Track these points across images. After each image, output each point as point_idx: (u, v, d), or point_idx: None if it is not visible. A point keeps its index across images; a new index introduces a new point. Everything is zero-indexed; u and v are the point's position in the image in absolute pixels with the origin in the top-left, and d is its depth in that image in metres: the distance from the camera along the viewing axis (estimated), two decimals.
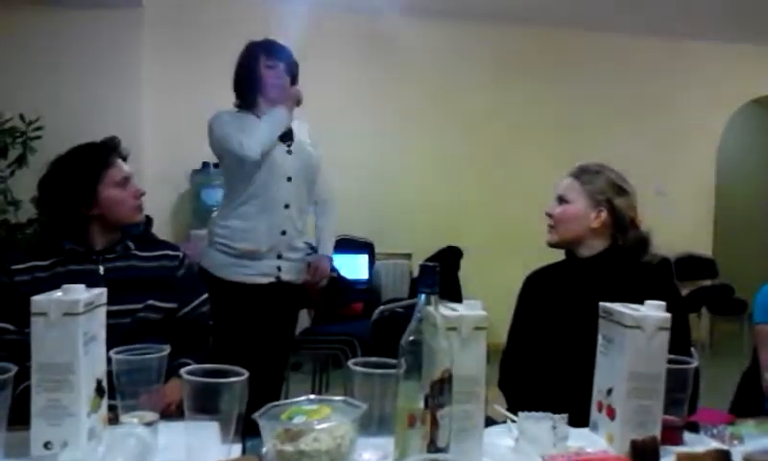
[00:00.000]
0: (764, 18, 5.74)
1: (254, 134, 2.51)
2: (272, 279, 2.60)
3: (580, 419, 1.41)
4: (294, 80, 2.68)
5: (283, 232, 2.60)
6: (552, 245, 1.94)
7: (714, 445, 1.34)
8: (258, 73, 2.61)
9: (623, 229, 1.88)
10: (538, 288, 1.96)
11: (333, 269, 3.07)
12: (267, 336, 2.61)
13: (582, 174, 1.91)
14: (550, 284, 1.94)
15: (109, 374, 1.28)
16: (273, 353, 2.66)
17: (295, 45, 2.70)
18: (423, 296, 1.13)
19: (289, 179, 2.60)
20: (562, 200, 1.91)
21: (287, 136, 2.64)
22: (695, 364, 1.42)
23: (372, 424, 1.18)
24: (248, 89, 2.64)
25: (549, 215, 1.93)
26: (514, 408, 1.44)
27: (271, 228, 2.58)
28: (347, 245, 5.57)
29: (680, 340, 1.36)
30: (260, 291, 2.58)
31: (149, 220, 4.17)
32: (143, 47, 5.24)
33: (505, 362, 1.94)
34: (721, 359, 4.72)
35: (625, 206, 1.88)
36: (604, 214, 1.85)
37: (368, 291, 5.19)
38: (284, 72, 2.63)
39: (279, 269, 2.61)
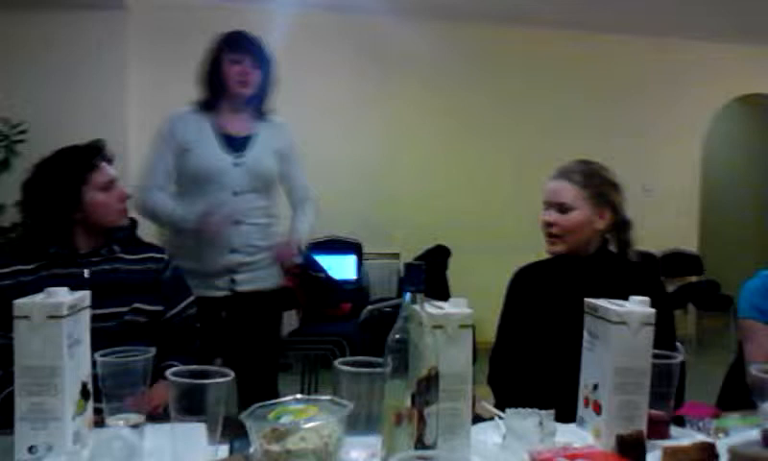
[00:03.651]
0: (747, 17, 5.78)
1: (158, 201, 2.43)
2: (226, 293, 2.45)
3: (567, 414, 1.42)
4: (269, 76, 2.47)
5: (233, 250, 2.42)
6: (556, 254, 1.88)
7: (700, 438, 1.35)
8: (221, 68, 2.40)
9: (623, 224, 1.89)
10: (527, 284, 1.96)
11: (321, 269, 3.04)
12: (238, 346, 2.47)
13: (575, 175, 1.85)
14: (539, 280, 1.94)
15: (95, 377, 1.27)
16: (255, 362, 2.50)
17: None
18: (409, 294, 1.13)
19: (235, 193, 2.41)
20: (563, 207, 1.83)
21: (238, 147, 2.44)
22: (680, 359, 1.43)
23: (360, 422, 1.17)
24: (209, 86, 2.44)
25: (549, 224, 1.86)
26: (502, 404, 1.44)
27: (218, 247, 2.40)
28: (334, 246, 5.58)
29: (665, 336, 1.37)
30: (215, 302, 2.42)
31: (134, 222, 4.14)
32: (128, 49, 5.21)
33: (494, 357, 1.94)
34: (708, 354, 4.76)
35: (622, 201, 1.88)
36: (608, 215, 1.85)
37: (356, 291, 5.19)
38: (251, 67, 2.40)
39: (233, 282, 2.45)
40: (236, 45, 2.42)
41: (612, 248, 1.92)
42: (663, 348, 1.39)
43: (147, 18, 5.30)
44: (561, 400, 1.40)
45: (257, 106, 2.51)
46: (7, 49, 4.86)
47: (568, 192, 1.84)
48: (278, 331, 2.83)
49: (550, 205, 1.87)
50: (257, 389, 2.35)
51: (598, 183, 1.85)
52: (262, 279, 2.53)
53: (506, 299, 1.98)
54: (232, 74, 2.40)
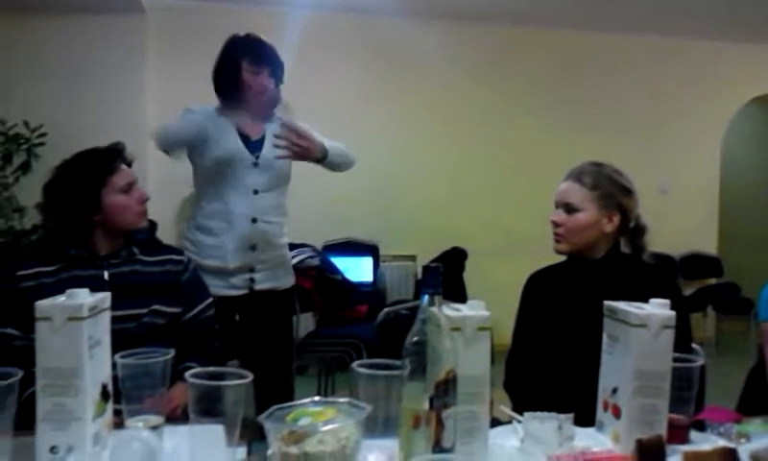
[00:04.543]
0: (765, 17, 5.72)
1: (172, 127, 2.43)
2: (245, 291, 2.50)
3: (586, 418, 1.41)
4: (279, 81, 2.53)
5: (253, 247, 2.47)
6: (561, 253, 1.90)
7: (721, 443, 1.33)
8: (240, 78, 2.46)
9: (638, 229, 1.88)
10: (541, 287, 1.95)
11: (337, 271, 3.04)
12: (255, 345, 2.51)
13: (585, 177, 1.85)
14: (554, 284, 1.93)
15: (114, 378, 1.28)
16: (272, 362, 2.55)
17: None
18: (427, 297, 1.13)
19: (255, 192, 2.47)
20: (570, 208, 1.85)
21: (254, 149, 2.48)
22: (701, 362, 1.42)
23: (378, 425, 1.17)
24: (228, 93, 2.49)
25: (556, 224, 1.87)
26: (519, 408, 1.44)
27: (239, 244, 2.45)
28: (351, 248, 5.59)
29: (681, 339, 1.36)
30: (232, 303, 2.46)
31: (153, 225, 4.18)
32: (147, 53, 5.25)
33: (510, 362, 1.94)
34: (727, 358, 4.70)
35: (634, 207, 1.88)
36: (616, 218, 1.84)
37: (372, 293, 5.19)
38: (269, 77, 2.48)
39: (252, 281, 2.50)
40: (257, 56, 2.48)
41: (627, 250, 1.91)
42: (679, 351, 1.37)
43: (164, 21, 5.33)
44: (578, 403, 1.40)
45: (269, 109, 2.56)
46: (26, 53, 4.92)
47: (576, 193, 1.85)
48: (292, 331, 2.85)
49: (559, 205, 1.88)
50: (273, 389, 2.38)
51: (607, 186, 1.84)
52: (277, 277, 2.58)
53: (520, 304, 1.98)
54: (253, 84, 2.47)
